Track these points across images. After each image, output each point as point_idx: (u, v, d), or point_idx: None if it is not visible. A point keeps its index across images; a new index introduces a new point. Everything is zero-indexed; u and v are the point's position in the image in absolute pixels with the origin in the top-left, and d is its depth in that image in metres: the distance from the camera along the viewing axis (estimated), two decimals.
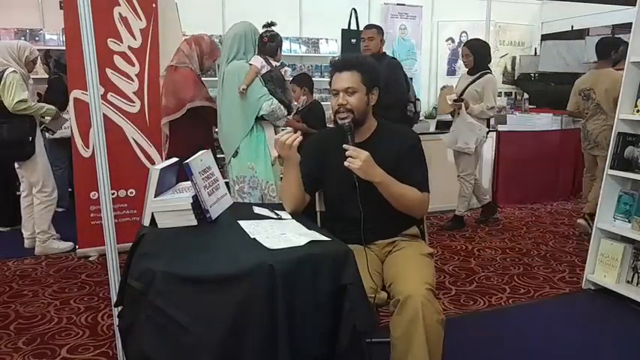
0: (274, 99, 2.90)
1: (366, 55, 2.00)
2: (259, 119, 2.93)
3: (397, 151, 1.95)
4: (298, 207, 1.96)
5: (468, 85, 4.16)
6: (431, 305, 1.68)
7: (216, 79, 3.11)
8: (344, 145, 1.81)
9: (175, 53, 3.24)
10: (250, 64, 2.90)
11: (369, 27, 3.99)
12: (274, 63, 2.98)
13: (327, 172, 2.01)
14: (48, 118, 3.63)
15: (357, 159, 1.78)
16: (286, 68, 3.11)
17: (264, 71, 2.91)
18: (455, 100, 4.09)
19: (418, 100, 4.09)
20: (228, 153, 3.02)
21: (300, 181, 1.94)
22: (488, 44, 4.35)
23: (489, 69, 4.24)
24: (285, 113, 2.98)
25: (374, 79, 1.96)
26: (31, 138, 3.52)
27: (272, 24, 3.05)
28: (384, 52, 4.01)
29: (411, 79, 4.27)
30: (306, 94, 4.00)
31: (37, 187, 3.62)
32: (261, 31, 3.02)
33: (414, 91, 4.03)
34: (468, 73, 4.25)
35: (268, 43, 2.97)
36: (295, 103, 3.60)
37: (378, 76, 1.99)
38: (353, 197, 1.86)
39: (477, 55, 4.14)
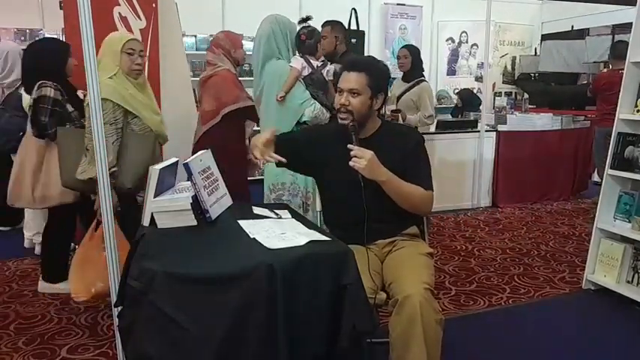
0: (317, 103, 2.78)
1: (378, 60, 2.01)
2: (300, 123, 2.80)
3: (401, 149, 1.95)
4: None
5: (404, 93, 4.00)
6: (429, 305, 1.68)
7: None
8: (349, 146, 1.81)
9: (203, 68, 3.13)
10: (291, 67, 2.78)
11: (324, 24, 3.68)
12: (315, 63, 2.86)
13: (327, 170, 2.02)
14: None
15: (362, 159, 1.78)
16: (328, 67, 2.95)
17: (305, 73, 2.80)
18: (392, 111, 3.85)
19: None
20: None
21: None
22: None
23: (423, 76, 4.12)
24: (328, 117, 2.81)
25: (381, 84, 1.96)
26: (21, 133, 3.53)
27: (308, 18, 2.92)
28: (346, 51, 3.69)
29: (394, 78, 4.13)
30: None
31: None
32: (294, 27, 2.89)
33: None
34: (403, 79, 4.11)
35: (307, 40, 2.84)
36: None
37: (386, 81, 2.00)
38: (355, 197, 1.86)
39: (415, 58, 4.02)
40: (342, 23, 3.73)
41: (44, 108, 2.64)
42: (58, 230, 2.96)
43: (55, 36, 5.26)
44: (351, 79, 1.91)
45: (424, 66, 4.29)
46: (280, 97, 2.74)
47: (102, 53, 2.41)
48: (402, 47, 4.21)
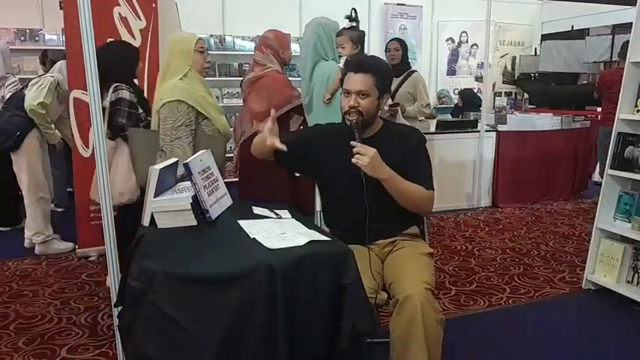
0: None
1: (381, 59, 2.01)
2: None
3: (402, 149, 1.95)
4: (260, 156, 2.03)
5: (399, 87, 3.99)
6: (430, 305, 1.68)
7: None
8: (351, 142, 1.82)
9: (251, 68, 3.16)
10: (339, 67, 2.76)
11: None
12: None
13: (328, 169, 2.02)
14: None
15: (364, 156, 1.78)
16: None
17: None
18: (390, 105, 3.78)
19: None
20: None
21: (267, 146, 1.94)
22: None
23: (411, 67, 4.12)
24: None
25: (386, 84, 1.97)
26: (19, 133, 3.55)
27: (354, 18, 2.93)
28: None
29: None
30: None
31: (23, 187, 3.65)
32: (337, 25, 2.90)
33: None
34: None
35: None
36: None
37: (390, 81, 2.01)
38: (356, 196, 1.86)
39: (404, 51, 4.00)
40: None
41: (121, 110, 2.69)
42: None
43: (55, 36, 5.28)
44: (359, 81, 1.90)
45: (425, 66, 4.29)
46: (327, 100, 2.73)
47: (170, 56, 2.47)
48: (392, 40, 4.19)
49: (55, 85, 3.62)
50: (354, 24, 2.96)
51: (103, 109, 2.71)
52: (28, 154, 3.63)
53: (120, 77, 2.76)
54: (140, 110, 2.77)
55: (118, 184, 2.64)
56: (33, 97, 3.52)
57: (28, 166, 3.63)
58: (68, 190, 4.68)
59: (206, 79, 2.78)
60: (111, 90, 2.70)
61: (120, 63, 2.79)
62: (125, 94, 2.70)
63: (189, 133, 2.38)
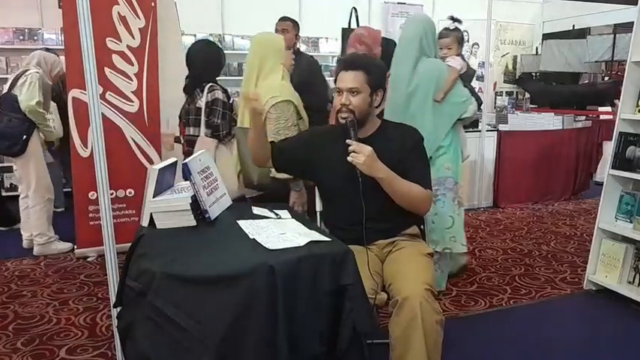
0: (474, 99, 2.81)
1: (373, 56, 2.00)
2: (460, 120, 2.84)
3: (400, 148, 1.95)
4: (258, 163, 2.06)
5: None
6: (429, 306, 1.67)
7: None
8: (347, 141, 1.81)
9: None
10: (449, 66, 2.78)
11: (284, 19, 3.63)
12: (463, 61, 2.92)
13: (325, 169, 2.01)
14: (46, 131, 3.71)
15: (360, 154, 1.77)
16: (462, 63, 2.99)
17: (462, 72, 2.85)
18: None
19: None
20: None
21: (265, 140, 2.00)
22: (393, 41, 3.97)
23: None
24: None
25: (379, 81, 1.96)
26: (25, 137, 3.54)
27: (458, 19, 2.96)
28: (299, 50, 3.73)
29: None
30: None
31: (30, 188, 3.63)
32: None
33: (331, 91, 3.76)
34: None
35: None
36: None
37: (384, 78, 2.00)
38: (355, 195, 1.85)
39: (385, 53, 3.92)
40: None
41: (217, 110, 2.73)
42: None
43: (54, 35, 5.27)
44: (350, 78, 1.90)
45: None
46: (441, 99, 2.73)
47: (260, 54, 2.49)
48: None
49: (41, 80, 3.57)
50: (457, 25, 2.97)
51: (198, 108, 2.74)
52: (35, 156, 3.62)
53: (211, 77, 2.82)
54: (232, 111, 2.83)
55: (234, 181, 2.68)
56: (29, 97, 3.48)
57: (36, 168, 3.62)
58: (65, 190, 4.68)
59: None
60: (206, 90, 2.75)
61: (210, 63, 2.85)
62: (220, 94, 2.76)
63: (296, 132, 2.42)
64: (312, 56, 3.73)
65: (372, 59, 2.00)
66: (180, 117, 3.06)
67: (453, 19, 2.96)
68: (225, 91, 2.82)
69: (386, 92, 2.00)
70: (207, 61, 2.85)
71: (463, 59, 2.93)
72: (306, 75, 3.28)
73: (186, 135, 2.94)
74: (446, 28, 3.03)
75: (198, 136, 2.74)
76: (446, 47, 2.99)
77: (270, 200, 2.17)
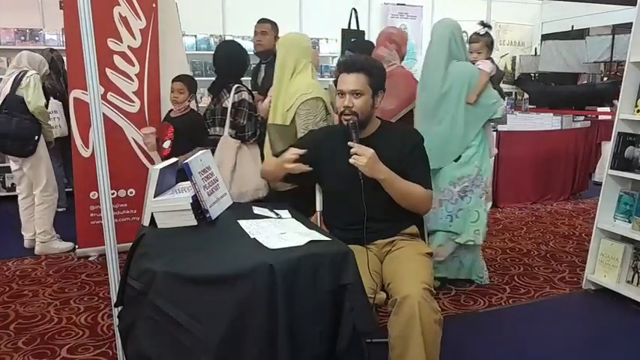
0: (503, 102, 2.92)
1: (374, 58, 2.02)
2: (491, 120, 2.96)
3: (400, 148, 1.96)
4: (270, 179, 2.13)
5: None
6: (428, 305, 1.68)
7: None
8: (349, 143, 1.82)
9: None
10: (480, 69, 2.88)
11: (263, 21, 3.59)
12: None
13: (327, 170, 2.02)
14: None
15: (362, 156, 1.79)
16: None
17: (492, 74, 2.94)
18: None
19: None
20: (451, 156, 2.88)
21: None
22: (370, 42, 3.88)
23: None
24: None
25: (380, 82, 1.97)
26: (36, 137, 3.57)
27: (488, 25, 3.08)
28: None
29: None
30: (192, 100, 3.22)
31: (39, 187, 3.65)
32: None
33: None
34: None
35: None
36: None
37: (384, 79, 2.00)
38: (356, 196, 1.86)
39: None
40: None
41: (243, 111, 2.77)
42: None
43: (55, 36, 5.27)
44: (352, 81, 1.91)
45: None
46: (474, 101, 2.82)
47: (292, 56, 2.56)
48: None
49: (40, 81, 3.63)
50: (488, 30, 3.08)
51: (224, 109, 2.76)
52: (45, 156, 3.66)
53: (236, 78, 2.85)
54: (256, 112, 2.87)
55: (256, 181, 2.75)
56: (37, 99, 3.53)
57: (46, 167, 3.66)
58: (67, 190, 4.69)
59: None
60: (233, 91, 2.78)
61: (236, 64, 2.88)
62: (246, 95, 2.80)
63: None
64: None
65: (373, 61, 2.01)
66: (204, 116, 3.07)
67: (484, 25, 3.07)
68: (250, 92, 2.85)
69: (385, 92, 2.01)
70: (232, 62, 2.88)
71: (492, 62, 3.05)
72: None
73: (211, 135, 2.98)
74: (476, 33, 3.14)
75: (221, 135, 2.76)
76: (476, 51, 3.11)
77: (306, 191, 2.21)
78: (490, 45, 3.16)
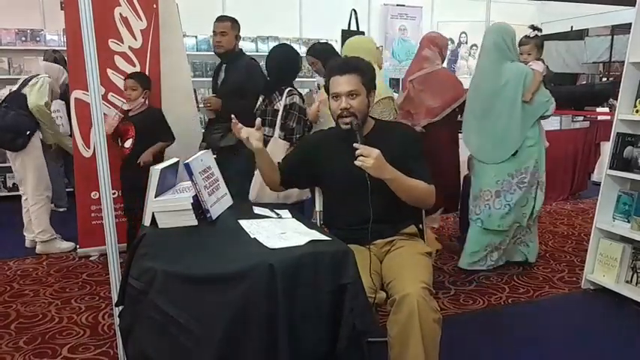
0: (554, 100, 3.12)
1: (361, 58, 2.02)
2: (543, 117, 3.17)
3: (398, 146, 1.96)
4: (272, 187, 2.11)
5: None
6: (427, 304, 1.68)
7: None
8: (355, 145, 1.81)
9: (418, 65, 3.36)
10: (533, 69, 3.06)
11: (221, 19, 3.42)
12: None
13: (327, 172, 2.03)
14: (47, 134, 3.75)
15: (369, 157, 1.78)
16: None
17: (544, 74, 3.09)
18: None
19: None
20: (509, 152, 3.09)
21: (273, 165, 2.05)
22: (330, 45, 3.87)
23: None
24: None
25: (371, 80, 1.98)
26: (28, 132, 3.58)
27: (538, 28, 3.24)
28: (241, 51, 3.50)
29: (397, 79, 4.22)
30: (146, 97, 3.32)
31: (28, 186, 3.66)
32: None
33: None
34: None
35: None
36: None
37: (374, 77, 2.01)
38: (359, 197, 1.87)
39: (323, 60, 3.45)
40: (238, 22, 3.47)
41: (293, 114, 2.80)
42: None
43: (56, 36, 5.28)
44: (346, 82, 1.91)
45: None
46: (530, 99, 3.03)
47: (356, 54, 2.63)
48: (307, 54, 3.60)
49: (52, 85, 3.68)
50: (538, 33, 3.25)
51: (275, 111, 2.79)
52: (35, 153, 3.65)
53: (289, 81, 2.90)
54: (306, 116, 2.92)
55: None
56: (38, 97, 3.55)
57: (36, 165, 3.65)
58: (68, 190, 4.70)
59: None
60: (285, 94, 2.81)
61: (288, 67, 2.93)
62: (297, 99, 2.83)
63: None
64: (253, 58, 3.46)
65: (362, 60, 1.99)
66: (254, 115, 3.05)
67: (534, 28, 3.24)
68: (301, 96, 2.89)
69: (375, 91, 2.02)
70: (286, 65, 2.91)
71: (543, 63, 3.20)
72: (243, 78, 3.25)
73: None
74: (526, 36, 3.28)
75: (271, 136, 2.78)
76: (526, 53, 3.25)
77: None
78: (540, 46, 3.30)
